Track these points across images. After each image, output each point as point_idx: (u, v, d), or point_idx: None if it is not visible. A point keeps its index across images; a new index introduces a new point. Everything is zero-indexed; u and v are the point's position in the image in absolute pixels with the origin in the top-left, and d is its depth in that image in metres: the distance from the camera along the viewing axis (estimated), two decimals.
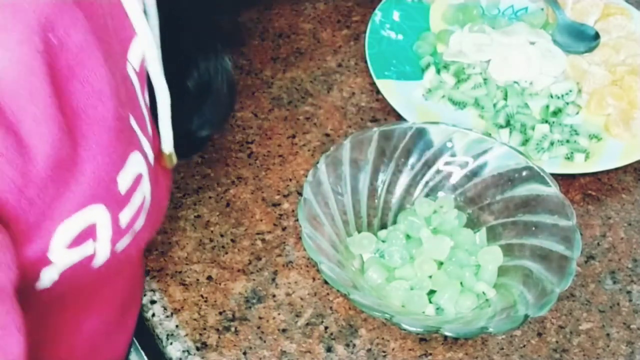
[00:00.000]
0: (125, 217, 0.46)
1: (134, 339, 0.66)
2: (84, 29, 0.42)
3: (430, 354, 0.62)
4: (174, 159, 0.57)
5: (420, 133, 0.68)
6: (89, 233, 0.44)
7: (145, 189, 0.48)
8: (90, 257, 0.45)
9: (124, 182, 0.46)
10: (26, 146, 0.39)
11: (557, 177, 0.67)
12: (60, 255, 0.43)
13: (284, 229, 0.69)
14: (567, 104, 0.78)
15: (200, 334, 0.62)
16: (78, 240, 0.43)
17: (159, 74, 0.52)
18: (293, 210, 0.70)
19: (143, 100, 0.52)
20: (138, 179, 0.47)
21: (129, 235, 0.48)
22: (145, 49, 0.51)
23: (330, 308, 0.64)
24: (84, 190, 0.42)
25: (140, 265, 0.64)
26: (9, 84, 0.38)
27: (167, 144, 0.56)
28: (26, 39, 0.38)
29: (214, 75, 0.63)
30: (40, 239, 0.41)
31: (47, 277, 0.43)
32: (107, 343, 0.59)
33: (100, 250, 0.45)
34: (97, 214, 0.44)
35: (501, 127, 0.76)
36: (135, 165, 0.47)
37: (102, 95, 0.43)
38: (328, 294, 0.65)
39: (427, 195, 0.69)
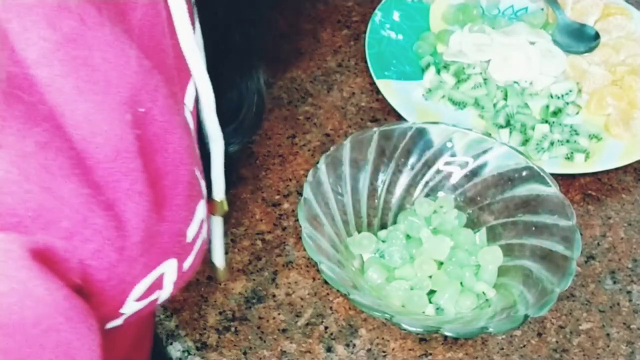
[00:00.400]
0: (188, 262, 0.46)
1: None
2: (165, 92, 0.41)
3: (430, 354, 0.62)
4: (225, 206, 0.56)
5: (420, 133, 0.68)
6: (157, 284, 0.44)
7: (204, 232, 0.48)
8: (154, 302, 0.45)
9: (191, 233, 0.45)
10: (122, 223, 0.38)
11: (557, 177, 0.67)
12: (129, 308, 0.43)
13: (284, 229, 0.69)
14: (567, 104, 0.78)
15: (200, 334, 0.62)
16: (147, 293, 0.43)
17: (215, 122, 0.51)
18: (293, 210, 0.70)
19: (196, 138, 0.50)
20: (201, 225, 0.47)
21: (188, 276, 0.48)
22: (202, 96, 0.49)
23: (330, 308, 0.64)
24: (161, 250, 0.42)
25: None
26: (105, 162, 0.37)
27: (219, 192, 0.54)
28: (119, 115, 0.37)
29: (247, 95, 0.61)
30: (118, 302, 0.41)
31: (113, 324, 0.43)
32: (137, 349, 0.59)
33: (164, 294, 0.45)
34: (167, 266, 0.44)
35: (501, 127, 0.76)
36: (200, 214, 0.46)
37: (181, 157, 0.43)
38: (328, 294, 0.65)
39: (427, 195, 0.69)
